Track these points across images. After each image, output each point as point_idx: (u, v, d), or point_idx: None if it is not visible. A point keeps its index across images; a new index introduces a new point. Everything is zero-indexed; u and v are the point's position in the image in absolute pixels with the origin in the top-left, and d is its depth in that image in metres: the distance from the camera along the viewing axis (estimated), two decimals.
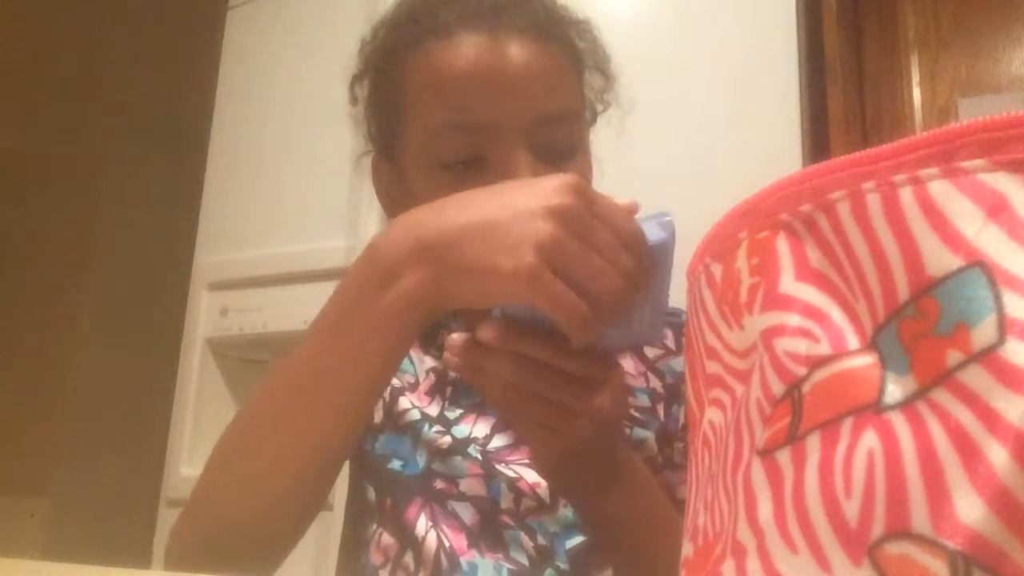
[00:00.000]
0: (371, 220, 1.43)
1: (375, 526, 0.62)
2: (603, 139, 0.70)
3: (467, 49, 0.59)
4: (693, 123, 1.25)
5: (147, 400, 1.88)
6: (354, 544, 0.65)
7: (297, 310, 1.41)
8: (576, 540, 0.59)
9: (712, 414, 0.30)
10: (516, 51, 0.60)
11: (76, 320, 2.15)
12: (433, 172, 0.60)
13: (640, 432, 0.63)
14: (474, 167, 0.59)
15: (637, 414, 0.64)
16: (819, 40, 1.40)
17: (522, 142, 0.58)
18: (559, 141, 0.60)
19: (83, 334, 2.15)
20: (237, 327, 1.54)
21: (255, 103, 1.69)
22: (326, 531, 1.12)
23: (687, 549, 0.29)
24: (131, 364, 2.20)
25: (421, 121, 0.61)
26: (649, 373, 0.67)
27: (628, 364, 0.66)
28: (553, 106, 0.60)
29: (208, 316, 1.59)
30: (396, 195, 0.67)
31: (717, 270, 0.29)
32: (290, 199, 1.56)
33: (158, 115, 2.16)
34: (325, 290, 0.49)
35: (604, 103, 0.70)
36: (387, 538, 0.60)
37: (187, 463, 1.52)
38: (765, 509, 0.23)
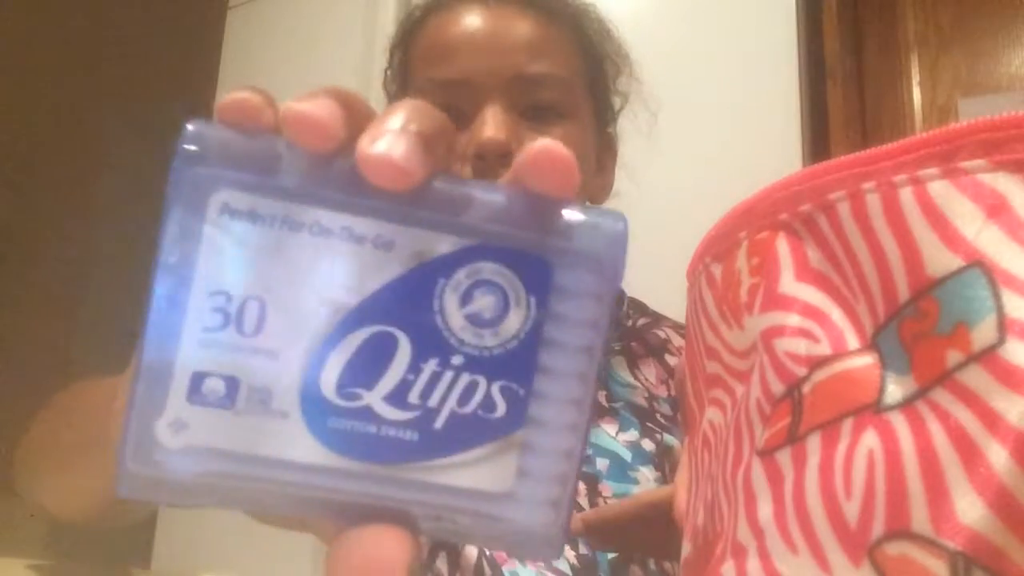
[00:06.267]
0: None
1: None
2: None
3: (458, 16, 0.62)
4: (693, 123, 1.25)
5: None
6: None
7: None
8: (616, 552, 0.56)
9: (712, 414, 0.30)
10: (503, 17, 0.61)
11: (76, 319, 2.15)
12: None
13: (669, 439, 0.62)
14: (455, 123, 0.60)
15: (663, 419, 0.63)
16: (819, 40, 1.40)
17: (498, 98, 0.59)
18: (542, 103, 0.61)
19: (83, 334, 2.15)
20: None
21: None
22: None
23: (687, 549, 0.29)
24: (131, 364, 2.19)
25: (414, 88, 0.64)
26: (671, 381, 0.65)
27: (651, 371, 0.65)
28: (535, 68, 0.61)
29: None
30: None
31: (717, 270, 0.29)
32: None
33: (158, 115, 2.16)
34: None
35: (621, 95, 0.70)
36: None
37: None
38: (765, 509, 0.23)
